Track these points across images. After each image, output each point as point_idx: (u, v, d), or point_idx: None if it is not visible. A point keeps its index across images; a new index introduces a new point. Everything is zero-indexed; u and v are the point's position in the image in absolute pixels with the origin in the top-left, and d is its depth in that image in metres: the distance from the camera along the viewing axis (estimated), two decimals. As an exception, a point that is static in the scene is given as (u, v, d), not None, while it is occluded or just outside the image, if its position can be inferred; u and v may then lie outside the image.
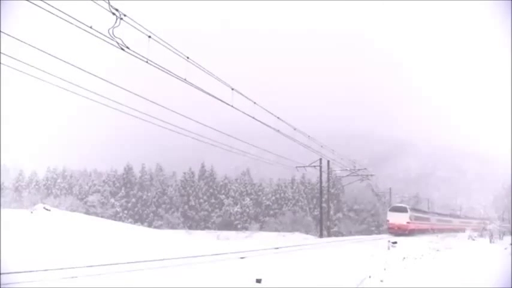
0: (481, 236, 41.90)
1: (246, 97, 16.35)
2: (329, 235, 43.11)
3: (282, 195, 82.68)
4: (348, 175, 43.25)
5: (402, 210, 47.75)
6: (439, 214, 72.47)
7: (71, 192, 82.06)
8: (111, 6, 10.19)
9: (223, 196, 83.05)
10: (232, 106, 15.70)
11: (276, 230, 72.11)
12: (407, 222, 45.80)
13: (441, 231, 59.50)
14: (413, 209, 54.51)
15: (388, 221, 48.14)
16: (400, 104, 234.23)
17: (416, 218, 50.69)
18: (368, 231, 69.97)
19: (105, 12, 10.12)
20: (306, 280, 10.68)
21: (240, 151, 23.02)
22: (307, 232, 69.59)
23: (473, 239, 39.46)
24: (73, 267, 10.45)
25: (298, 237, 60.71)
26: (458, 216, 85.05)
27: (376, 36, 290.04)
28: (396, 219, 45.82)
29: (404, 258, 16.85)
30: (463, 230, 66.29)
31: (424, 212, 61.94)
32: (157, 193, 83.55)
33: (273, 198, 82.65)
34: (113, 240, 18.20)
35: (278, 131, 20.24)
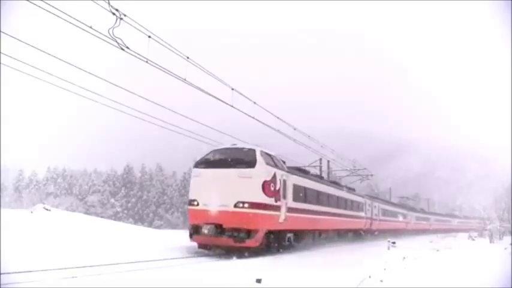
0: (481, 235, 42.05)
1: (246, 97, 16.37)
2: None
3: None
4: (347, 175, 43.09)
5: (242, 160, 16.42)
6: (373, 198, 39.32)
7: (71, 192, 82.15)
8: (111, 6, 10.21)
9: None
10: (232, 106, 15.71)
11: (276, 230, 71.71)
12: (262, 207, 15.92)
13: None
14: (292, 169, 20.16)
15: (190, 202, 16.60)
16: (401, 104, 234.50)
17: (298, 197, 19.45)
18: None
19: (105, 12, 10.14)
20: (306, 280, 10.69)
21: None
22: (307, 232, 69.28)
23: (473, 239, 39.59)
24: (73, 267, 10.46)
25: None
26: (417, 211, 57.29)
27: (377, 36, 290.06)
28: (218, 195, 15.79)
29: (404, 258, 16.86)
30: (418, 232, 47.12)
31: (333, 184, 27.52)
32: (157, 193, 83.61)
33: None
34: (113, 240, 18.21)
35: (278, 131, 20.26)
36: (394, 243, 24.78)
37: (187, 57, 12.96)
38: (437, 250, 23.53)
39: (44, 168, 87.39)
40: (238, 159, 16.52)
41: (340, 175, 40.25)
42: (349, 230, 29.56)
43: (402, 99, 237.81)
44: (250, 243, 15.61)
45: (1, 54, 9.62)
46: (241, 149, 17.41)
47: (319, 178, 25.51)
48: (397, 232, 40.94)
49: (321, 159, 38.50)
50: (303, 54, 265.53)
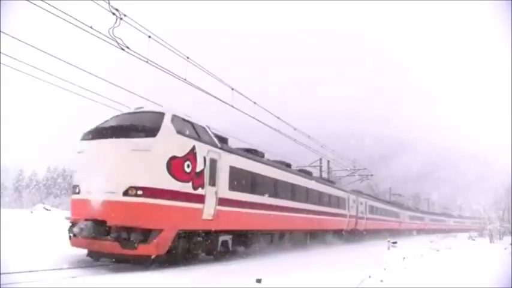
0: (481, 235, 42.11)
1: (246, 97, 16.38)
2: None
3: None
4: (347, 175, 43.04)
5: (141, 127, 11.06)
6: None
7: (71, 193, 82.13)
8: (111, 6, 10.22)
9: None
10: (232, 106, 15.72)
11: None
12: (169, 196, 11.04)
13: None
14: (236, 149, 15.35)
15: (73, 189, 11.82)
16: (401, 104, 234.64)
17: (239, 186, 14.39)
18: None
19: (105, 12, 10.16)
20: (306, 280, 10.69)
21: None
22: (307, 232, 68.83)
23: (473, 239, 39.64)
24: (73, 267, 10.46)
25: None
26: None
27: (377, 36, 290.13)
28: (103, 178, 10.68)
29: (404, 258, 16.86)
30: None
31: (300, 173, 22.20)
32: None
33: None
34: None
35: (278, 131, 20.26)
36: (394, 243, 24.77)
37: (187, 57, 12.97)
38: (437, 250, 23.54)
39: (44, 168, 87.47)
40: (135, 126, 11.14)
41: (340, 175, 40.21)
42: (326, 231, 24.84)
43: (402, 99, 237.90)
44: (146, 249, 10.54)
45: (1, 54, 9.63)
46: (146, 112, 12.12)
47: (281, 165, 19.50)
48: (389, 233, 37.33)
49: (321, 159, 38.51)
50: (303, 54, 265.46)
